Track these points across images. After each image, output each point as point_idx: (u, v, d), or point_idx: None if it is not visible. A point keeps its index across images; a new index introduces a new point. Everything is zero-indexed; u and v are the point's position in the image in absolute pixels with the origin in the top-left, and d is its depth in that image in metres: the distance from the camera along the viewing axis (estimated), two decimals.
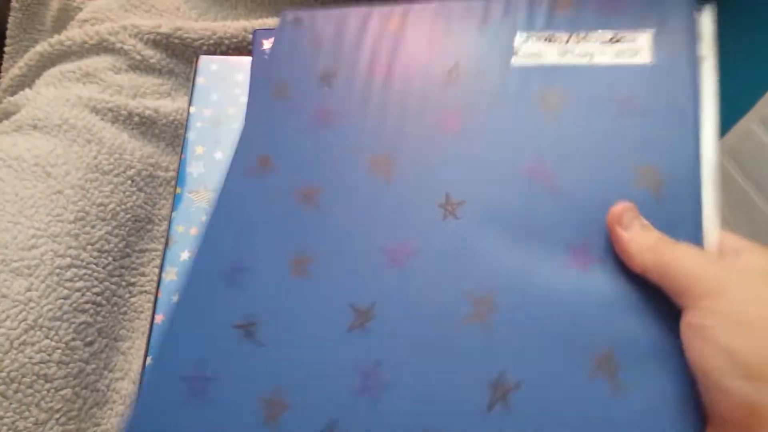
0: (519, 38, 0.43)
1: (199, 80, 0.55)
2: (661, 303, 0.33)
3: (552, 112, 0.40)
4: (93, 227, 0.48)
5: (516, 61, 0.42)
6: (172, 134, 0.56)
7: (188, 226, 0.48)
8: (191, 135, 0.52)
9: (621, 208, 0.35)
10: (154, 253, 0.52)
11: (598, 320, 0.34)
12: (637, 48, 0.41)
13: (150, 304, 0.49)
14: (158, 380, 0.36)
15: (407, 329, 0.35)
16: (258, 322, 0.37)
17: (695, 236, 0.35)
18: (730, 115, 0.49)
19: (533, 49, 0.43)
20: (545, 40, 0.43)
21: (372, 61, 0.45)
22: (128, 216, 0.50)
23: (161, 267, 0.46)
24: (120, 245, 0.49)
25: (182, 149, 0.51)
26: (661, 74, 0.40)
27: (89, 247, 0.47)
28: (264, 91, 0.45)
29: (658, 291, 0.33)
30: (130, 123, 0.54)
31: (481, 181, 0.39)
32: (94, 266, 0.47)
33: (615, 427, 0.32)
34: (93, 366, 0.45)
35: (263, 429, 0.34)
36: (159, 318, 0.45)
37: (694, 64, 0.40)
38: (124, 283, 0.49)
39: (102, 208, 0.49)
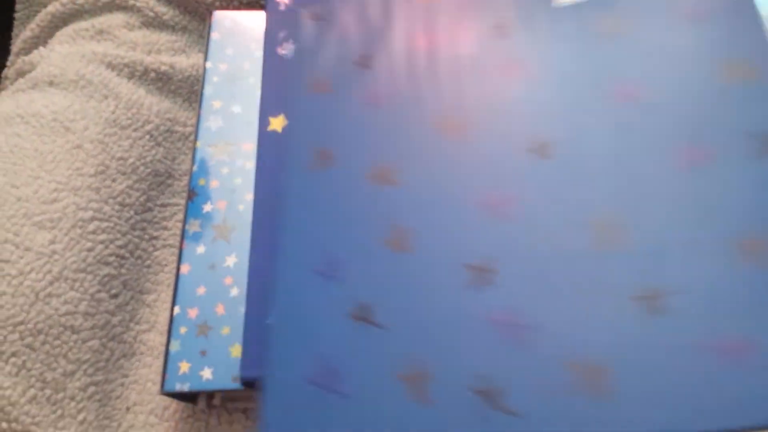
0: None
1: (214, 35, 0.54)
2: None
3: (615, 36, 0.40)
4: (113, 181, 0.47)
5: (557, 1, 0.43)
6: (188, 90, 0.55)
7: (209, 179, 0.48)
8: (208, 90, 0.52)
9: None
10: (176, 207, 0.51)
11: (732, 208, 0.34)
12: None
13: (174, 257, 0.49)
14: (284, 388, 0.35)
15: (533, 271, 0.35)
16: (371, 305, 0.36)
17: None
18: None
19: None
20: None
21: (407, 33, 0.45)
22: (148, 170, 0.50)
23: (184, 219, 0.46)
24: (141, 199, 0.49)
25: (199, 104, 0.51)
26: None
27: (111, 200, 0.47)
28: (302, 86, 0.44)
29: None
30: (146, 79, 0.54)
31: (569, 117, 0.39)
32: (116, 219, 0.47)
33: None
34: (119, 318, 0.45)
35: (411, 405, 0.33)
36: (185, 268, 0.44)
37: None
38: (147, 237, 0.49)
39: (122, 162, 0.48)
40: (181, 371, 0.41)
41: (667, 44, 0.39)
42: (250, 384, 0.39)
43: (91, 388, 0.43)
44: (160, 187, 0.51)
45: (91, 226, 0.45)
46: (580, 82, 0.40)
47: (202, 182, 0.48)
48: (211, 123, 0.50)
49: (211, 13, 0.55)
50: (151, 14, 0.57)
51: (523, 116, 0.39)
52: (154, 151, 0.51)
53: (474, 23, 0.44)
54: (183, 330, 0.42)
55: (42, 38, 0.60)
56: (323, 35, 0.46)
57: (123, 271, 0.46)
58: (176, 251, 0.49)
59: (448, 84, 0.42)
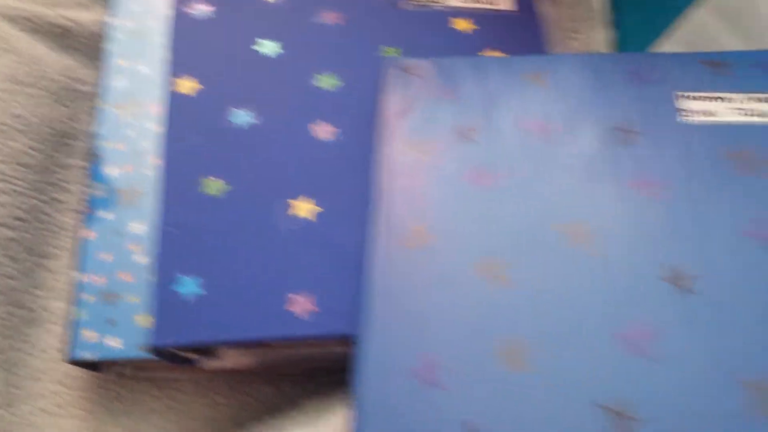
0: (683, 97, 0.40)
1: None
2: None
3: (753, 174, 0.37)
4: (12, 140, 0.46)
5: (688, 119, 0.39)
6: (92, 47, 0.53)
7: (115, 141, 0.47)
8: (112, 47, 0.50)
9: None
10: (78, 169, 0.50)
11: None
12: None
13: (76, 222, 0.48)
14: None
15: (678, 427, 0.30)
16: (479, 430, 0.31)
17: None
18: (680, 2, 0.50)
19: (704, 108, 0.40)
20: (714, 99, 0.40)
21: (520, 114, 0.41)
22: (49, 130, 0.48)
23: (89, 183, 0.45)
24: (42, 160, 0.47)
25: (103, 61, 0.49)
26: None
27: (9, 160, 0.45)
28: (398, 146, 0.40)
29: None
30: (47, 34, 0.51)
31: (706, 250, 0.35)
32: (15, 180, 0.45)
33: None
34: (20, 283, 0.44)
35: None
36: (89, 234, 0.43)
37: None
38: (48, 200, 0.47)
39: (20, 120, 0.47)
40: (87, 339, 0.41)
41: None
42: (159, 353, 0.39)
43: None
44: (62, 148, 0.49)
45: None
46: (713, 212, 0.36)
47: (106, 144, 0.46)
48: (116, 82, 0.49)
49: None
50: None
51: (655, 239, 0.35)
52: (55, 110, 0.49)
53: (593, 119, 0.40)
54: (88, 298, 0.42)
55: None
56: (419, 92, 0.43)
57: (25, 234, 0.45)
58: (80, 215, 0.48)
59: (567, 182, 0.38)
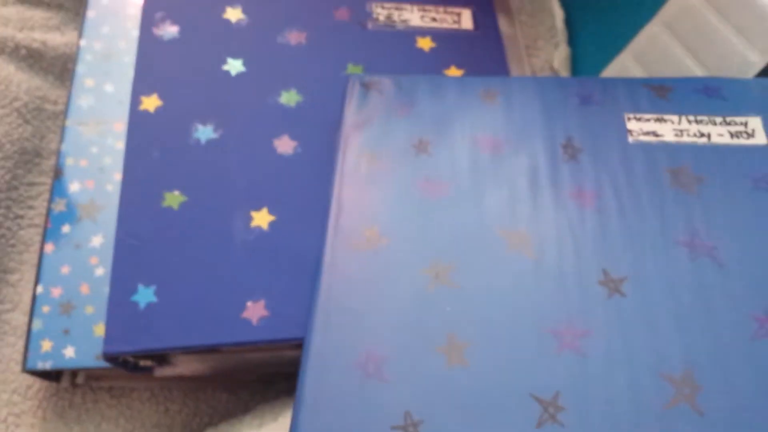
0: (628, 118, 0.42)
1: (90, 13, 0.54)
2: None
3: (688, 189, 0.39)
4: None
5: (633, 139, 0.42)
6: (61, 68, 0.55)
7: (78, 158, 0.47)
8: (80, 68, 0.51)
9: None
10: (42, 186, 0.50)
11: None
12: (750, 131, 0.42)
13: (39, 237, 0.49)
14: None
15: (607, 420, 0.32)
16: (420, 421, 0.32)
17: None
18: (635, 20, 0.51)
19: (647, 128, 0.42)
20: (656, 120, 0.42)
21: (472, 130, 0.42)
22: (15, 148, 0.49)
23: (50, 198, 0.46)
24: (6, 177, 0.48)
25: (71, 82, 0.50)
26: None
27: None
28: (354, 156, 0.41)
29: None
30: (16, 55, 0.52)
31: (638, 256, 0.37)
32: None
33: None
34: None
35: None
36: (48, 247, 0.44)
37: None
38: (11, 216, 0.48)
39: None
40: (43, 349, 0.41)
41: (738, 206, 0.38)
42: (112, 360, 0.39)
43: None
44: (27, 165, 0.50)
45: None
46: (647, 222, 0.38)
47: (70, 161, 0.47)
48: (82, 101, 0.50)
49: None
50: None
51: (591, 245, 0.37)
52: (21, 129, 0.50)
53: (541, 136, 0.42)
54: (45, 309, 0.42)
55: None
56: (376, 108, 0.44)
57: None
58: (41, 231, 0.48)
59: (512, 192, 0.40)
